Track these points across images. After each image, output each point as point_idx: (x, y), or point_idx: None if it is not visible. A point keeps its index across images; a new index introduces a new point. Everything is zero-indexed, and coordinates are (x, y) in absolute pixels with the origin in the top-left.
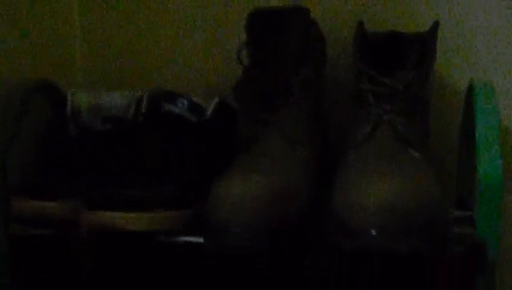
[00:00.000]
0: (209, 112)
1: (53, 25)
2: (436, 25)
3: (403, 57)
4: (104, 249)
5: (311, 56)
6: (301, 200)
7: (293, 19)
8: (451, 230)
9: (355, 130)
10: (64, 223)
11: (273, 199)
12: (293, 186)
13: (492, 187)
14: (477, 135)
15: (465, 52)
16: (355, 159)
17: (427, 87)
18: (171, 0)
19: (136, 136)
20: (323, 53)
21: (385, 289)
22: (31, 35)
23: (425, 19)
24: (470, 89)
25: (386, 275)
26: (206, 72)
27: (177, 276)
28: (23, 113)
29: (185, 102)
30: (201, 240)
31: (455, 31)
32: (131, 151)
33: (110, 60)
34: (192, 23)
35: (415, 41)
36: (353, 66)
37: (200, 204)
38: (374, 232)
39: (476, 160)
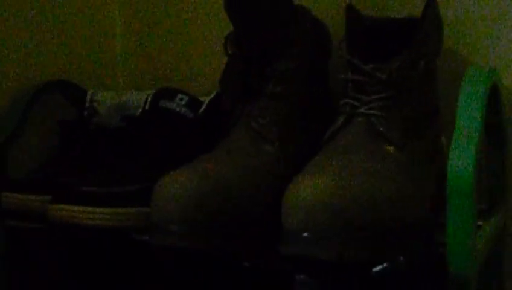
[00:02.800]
0: (203, 107)
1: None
2: (430, 4)
3: (390, 44)
4: (63, 242)
5: (296, 46)
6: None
7: (273, 8)
8: (407, 234)
9: (332, 124)
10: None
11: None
12: (240, 184)
13: (462, 191)
14: (456, 127)
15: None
16: (318, 155)
17: (420, 76)
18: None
19: (135, 133)
20: (322, 46)
21: None
22: (74, 41)
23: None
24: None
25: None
26: None
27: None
28: (29, 111)
29: (184, 98)
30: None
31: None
32: (124, 147)
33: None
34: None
35: (404, 26)
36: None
37: None
38: (305, 234)
39: (449, 154)
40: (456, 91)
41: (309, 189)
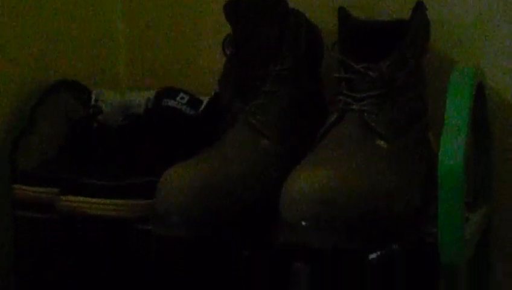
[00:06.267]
0: (203, 105)
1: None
2: (418, 8)
3: (381, 45)
4: (73, 233)
5: (291, 48)
6: (258, 196)
7: (268, 11)
8: (405, 226)
9: (327, 120)
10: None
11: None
12: (239, 177)
13: (453, 184)
14: (445, 123)
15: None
16: (313, 150)
17: (409, 75)
18: None
19: (138, 130)
20: (315, 48)
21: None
22: (79, 43)
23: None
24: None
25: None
26: None
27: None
28: (39, 109)
29: (185, 97)
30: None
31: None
32: (128, 144)
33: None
34: None
35: (394, 29)
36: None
37: None
38: (304, 223)
39: (439, 146)
40: (443, 89)
41: (307, 181)
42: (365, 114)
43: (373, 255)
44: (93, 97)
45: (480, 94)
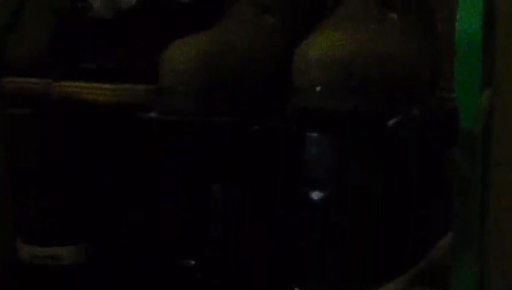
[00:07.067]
0: None
1: None
2: None
3: None
4: (70, 121)
5: None
6: (265, 67)
7: None
8: (422, 93)
9: None
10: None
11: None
12: (249, 44)
13: (471, 46)
14: None
15: None
16: (327, 19)
17: None
18: None
19: (131, 23)
20: None
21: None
22: None
23: None
24: None
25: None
26: None
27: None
28: (25, 2)
29: None
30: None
31: None
32: (122, 36)
33: None
34: None
35: None
36: None
37: None
38: (318, 88)
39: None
40: None
41: (322, 44)
42: None
43: (392, 121)
44: None
45: None
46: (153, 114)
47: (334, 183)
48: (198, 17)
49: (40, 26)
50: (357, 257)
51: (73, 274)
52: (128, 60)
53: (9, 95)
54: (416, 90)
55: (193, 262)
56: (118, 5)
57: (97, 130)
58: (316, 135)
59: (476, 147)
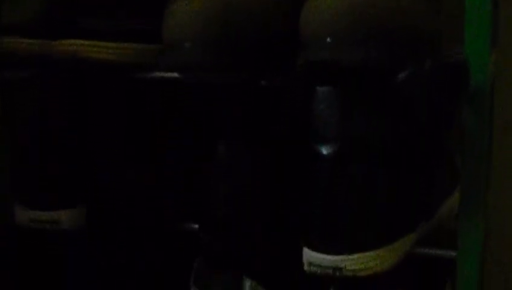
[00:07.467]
0: None
1: None
2: None
3: None
4: (70, 81)
5: None
6: (273, 22)
7: None
8: (431, 48)
9: None
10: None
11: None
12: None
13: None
14: None
15: None
16: None
17: None
18: None
19: None
20: None
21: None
22: None
23: None
24: None
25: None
26: None
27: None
28: None
29: None
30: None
31: None
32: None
33: None
34: None
35: None
36: None
37: None
38: (329, 39)
39: None
40: None
41: None
42: None
43: (403, 73)
44: None
45: None
46: (157, 72)
47: (343, 137)
48: None
49: None
50: (366, 213)
51: (72, 238)
52: (130, 20)
53: (7, 56)
54: (425, 45)
55: (196, 226)
56: None
57: (98, 90)
58: (326, 88)
59: (485, 103)
